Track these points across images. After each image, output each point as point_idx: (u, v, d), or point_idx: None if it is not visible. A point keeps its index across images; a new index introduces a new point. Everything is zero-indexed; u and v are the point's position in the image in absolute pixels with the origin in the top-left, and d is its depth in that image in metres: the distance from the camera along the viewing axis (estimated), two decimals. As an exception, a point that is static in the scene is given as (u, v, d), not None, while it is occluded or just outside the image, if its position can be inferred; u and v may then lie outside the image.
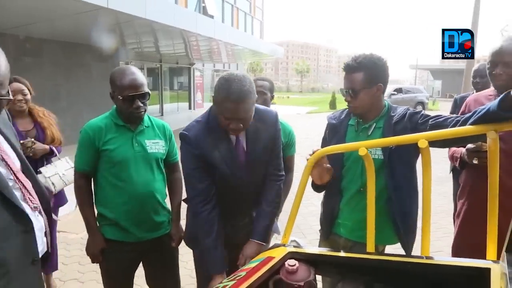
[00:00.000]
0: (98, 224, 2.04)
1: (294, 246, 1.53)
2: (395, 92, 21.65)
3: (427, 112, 1.81)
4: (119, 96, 1.89)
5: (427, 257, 1.34)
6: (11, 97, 1.28)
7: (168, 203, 2.17)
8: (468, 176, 2.13)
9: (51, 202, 2.72)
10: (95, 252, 2.01)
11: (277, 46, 20.62)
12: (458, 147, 2.07)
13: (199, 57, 18.84)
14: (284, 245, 1.54)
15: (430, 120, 1.69)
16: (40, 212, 1.39)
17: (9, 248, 1.22)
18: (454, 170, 3.34)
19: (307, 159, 1.64)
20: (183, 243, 2.11)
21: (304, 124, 14.78)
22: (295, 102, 33.30)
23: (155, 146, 2.04)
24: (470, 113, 1.43)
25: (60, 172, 2.76)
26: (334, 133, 1.98)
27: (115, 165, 1.94)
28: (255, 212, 1.87)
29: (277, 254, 1.44)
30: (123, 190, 1.95)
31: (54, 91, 9.20)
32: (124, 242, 2.00)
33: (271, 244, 1.73)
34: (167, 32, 9.69)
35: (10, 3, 6.02)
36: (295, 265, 1.32)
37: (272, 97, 2.57)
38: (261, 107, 1.84)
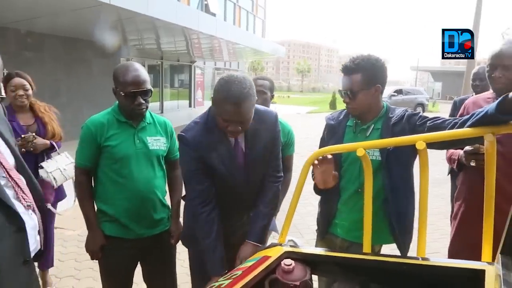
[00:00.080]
0: (97, 221, 2.03)
1: (291, 246, 1.54)
2: (395, 93, 21.62)
3: (426, 114, 1.82)
4: (121, 92, 1.89)
5: (423, 258, 1.34)
6: (3, 95, 1.27)
7: (167, 200, 2.17)
8: (466, 178, 2.13)
9: (51, 197, 2.75)
10: (94, 248, 2.01)
11: (279, 45, 20.57)
12: (456, 149, 2.08)
13: (200, 55, 18.82)
14: (280, 245, 1.54)
15: (428, 122, 1.69)
16: (33, 210, 1.37)
17: (0, 248, 1.20)
18: (451, 172, 3.35)
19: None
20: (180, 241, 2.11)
21: (304, 124, 14.78)
22: (295, 102, 33.29)
23: (157, 143, 2.04)
24: (468, 116, 1.44)
25: (61, 167, 2.78)
26: (332, 134, 1.99)
27: (117, 162, 1.94)
28: (252, 213, 1.87)
29: (274, 254, 1.44)
30: (124, 186, 1.95)
31: (55, 86, 9.19)
32: (123, 239, 2.00)
33: (268, 243, 1.74)
34: (169, 29, 9.67)
35: (12, -3, 6.02)
36: (291, 264, 1.32)
37: (272, 96, 2.57)
38: (261, 107, 1.82)
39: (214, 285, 1.37)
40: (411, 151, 1.73)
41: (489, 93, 2.10)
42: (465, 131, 1.38)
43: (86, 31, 8.87)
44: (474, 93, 3.58)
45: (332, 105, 23.71)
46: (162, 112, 16.61)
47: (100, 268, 2.12)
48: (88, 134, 1.94)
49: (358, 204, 1.75)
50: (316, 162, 1.67)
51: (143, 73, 1.93)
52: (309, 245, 2.27)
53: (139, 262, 2.18)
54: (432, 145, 1.45)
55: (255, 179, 1.82)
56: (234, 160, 1.75)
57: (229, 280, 1.31)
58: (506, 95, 1.21)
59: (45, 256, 2.89)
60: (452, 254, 2.18)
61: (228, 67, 24.97)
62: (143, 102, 1.92)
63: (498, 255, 1.18)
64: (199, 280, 1.88)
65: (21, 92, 2.72)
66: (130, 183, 1.95)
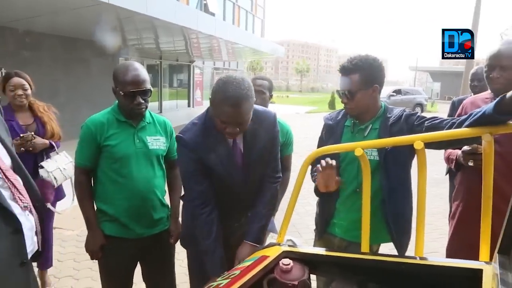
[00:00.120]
0: (97, 220, 2.03)
1: (290, 246, 1.54)
2: (394, 94, 21.64)
3: (424, 114, 1.82)
4: (120, 92, 1.89)
5: (421, 258, 1.35)
6: None
7: (167, 199, 2.17)
8: (463, 178, 2.14)
9: (52, 196, 2.75)
10: (94, 248, 2.00)
11: (278, 45, 20.57)
12: (454, 149, 2.08)
13: (199, 55, 18.81)
14: (279, 244, 1.54)
15: (426, 122, 1.70)
16: (30, 211, 1.36)
17: None
18: (450, 172, 3.35)
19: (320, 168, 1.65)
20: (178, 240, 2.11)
21: (303, 124, 14.78)
22: (294, 102, 33.28)
23: (156, 143, 2.04)
24: (466, 116, 1.44)
25: (61, 166, 2.79)
26: (330, 134, 1.99)
27: (116, 161, 1.94)
28: (250, 213, 1.86)
29: (272, 253, 1.44)
30: (124, 186, 1.95)
31: (53, 86, 9.17)
32: (123, 239, 2.00)
33: (267, 243, 1.74)
34: (167, 29, 9.67)
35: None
36: (289, 264, 1.32)
37: (271, 96, 2.57)
38: (260, 108, 1.80)
39: (212, 285, 1.37)
40: (409, 152, 1.74)
41: (487, 93, 2.10)
42: (463, 131, 1.38)
43: (84, 30, 8.86)
44: (472, 94, 3.58)
45: (331, 105, 23.70)
46: (161, 111, 16.60)
47: (100, 268, 2.12)
48: (88, 133, 1.94)
49: (356, 203, 1.75)
50: (320, 167, 1.67)
51: (143, 72, 1.93)
52: (308, 245, 2.28)
53: (138, 262, 2.18)
54: (430, 145, 1.46)
55: (254, 179, 1.81)
56: (233, 161, 1.74)
57: (228, 280, 1.31)
58: (504, 95, 1.21)
59: (44, 256, 2.89)
60: (450, 254, 2.19)
61: (227, 67, 24.97)
62: (143, 101, 1.92)
63: (496, 255, 1.19)
64: (198, 280, 1.87)
65: (20, 91, 2.73)
66: (130, 183, 1.95)
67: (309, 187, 2.05)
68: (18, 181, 1.34)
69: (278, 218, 2.21)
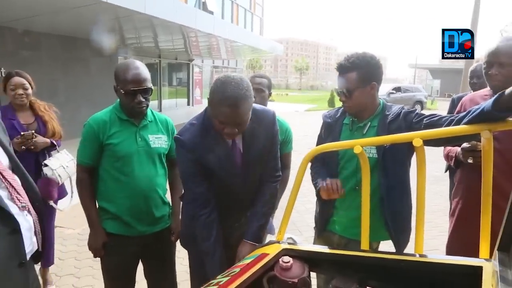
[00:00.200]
0: (99, 218, 2.03)
1: (290, 243, 1.54)
2: (394, 91, 21.62)
3: (424, 112, 1.82)
4: (121, 90, 1.89)
5: (421, 255, 1.35)
6: None
7: (168, 197, 2.18)
8: (463, 175, 2.14)
9: (56, 194, 2.75)
10: (97, 246, 2.01)
11: (277, 43, 20.54)
12: (453, 146, 2.09)
13: (198, 53, 18.78)
14: (278, 242, 1.55)
15: (425, 119, 1.70)
16: (29, 211, 1.34)
17: None
18: (449, 169, 3.35)
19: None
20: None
21: (303, 122, 14.78)
22: (293, 100, 33.26)
23: (158, 141, 2.04)
24: (465, 113, 1.44)
25: (63, 164, 2.79)
26: (329, 131, 1.99)
27: (119, 160, 1.94)
28: (249, 212, 1.85)
29: (272, 251, 1.44)
30: (126, 184, 1.95)
31: (52, 85, 9.16)
32: (125, 236, 2.01)
33: (267, 241, 1.74)
34: (166, 27, 9.66)
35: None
36: (289, 261, 1.32)
37: (270, 94, 2.57)
38: (259, 106, 1.78)
39: (212, 282, 1.37)
40: (407, 150, 1.74)
41: (486, 90, 2.10)
42: (461, 128, 1.38)
43: (83, 30, 8.83)
44: (472, 91, 3.58)
45: (331, 103, 23.69)
46: (160, 110, 16.60)
47: (102, 266, 2.12)
48: (91, 132, 1.94)
49: (356, 201, 1.75)
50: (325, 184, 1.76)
51: (144, 71, 1.93)
52: (307, 243, 2.28)
53: (140, 260, 2.18)
54: (428, 142, 1.46)
55: (253, 179, 1.80)
56: (232, 161, 1.72)
57: (228, 278, 1.31)
58: (502, 92, 1.21)
59: (46, 254, 2.89)
60: (450, 251, 2.19)
61: (226, 65, 24.96)
62: (143, 100, 1.92)
63: (495, 252, 1.19)
64: (199, 278, 1.87)
65: (20, 91, 2.75)
66: (132, 181, 1.95)
67: (308, 185, 2.05)
68: (15, 181, 1.33)
69: (277, 216, 2.21)
